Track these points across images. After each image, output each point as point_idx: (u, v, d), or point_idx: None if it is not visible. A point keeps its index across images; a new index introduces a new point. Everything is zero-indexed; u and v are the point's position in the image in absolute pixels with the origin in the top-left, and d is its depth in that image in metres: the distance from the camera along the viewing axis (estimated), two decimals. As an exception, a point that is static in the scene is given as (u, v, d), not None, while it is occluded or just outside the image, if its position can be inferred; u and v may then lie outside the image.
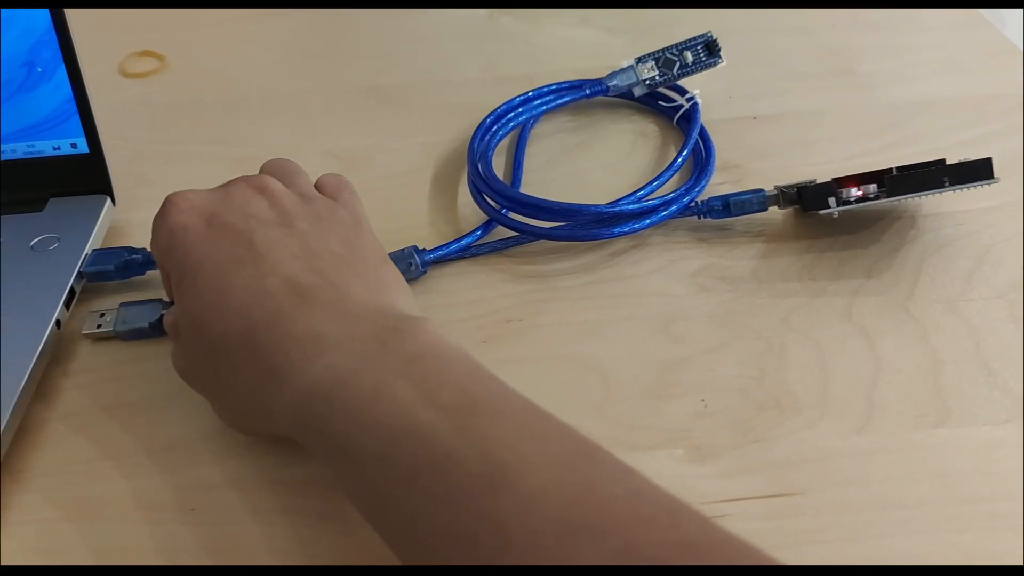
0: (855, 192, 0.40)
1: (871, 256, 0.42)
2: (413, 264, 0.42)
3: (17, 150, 0.47)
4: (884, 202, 0.40)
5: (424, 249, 0.43)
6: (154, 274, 0.43)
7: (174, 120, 0.56)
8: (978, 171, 0.39)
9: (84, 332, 0.41)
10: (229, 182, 0.37)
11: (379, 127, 0.54)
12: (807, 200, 0.42)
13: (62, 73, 0.45)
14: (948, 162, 0.42)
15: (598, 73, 0.53)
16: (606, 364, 0.38)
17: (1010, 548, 0.30)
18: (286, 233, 0.34)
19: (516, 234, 0.44)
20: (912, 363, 0.37)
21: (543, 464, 0.25)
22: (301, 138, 0.53)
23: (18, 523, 0.33)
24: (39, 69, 0.45)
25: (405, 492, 0.26)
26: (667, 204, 0.43)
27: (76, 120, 0.46)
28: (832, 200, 0.40)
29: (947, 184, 0.39)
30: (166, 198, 0.36)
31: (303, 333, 0.30)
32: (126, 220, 0.48)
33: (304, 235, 0.34)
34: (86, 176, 0.47)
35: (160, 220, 0.36)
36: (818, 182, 0.42)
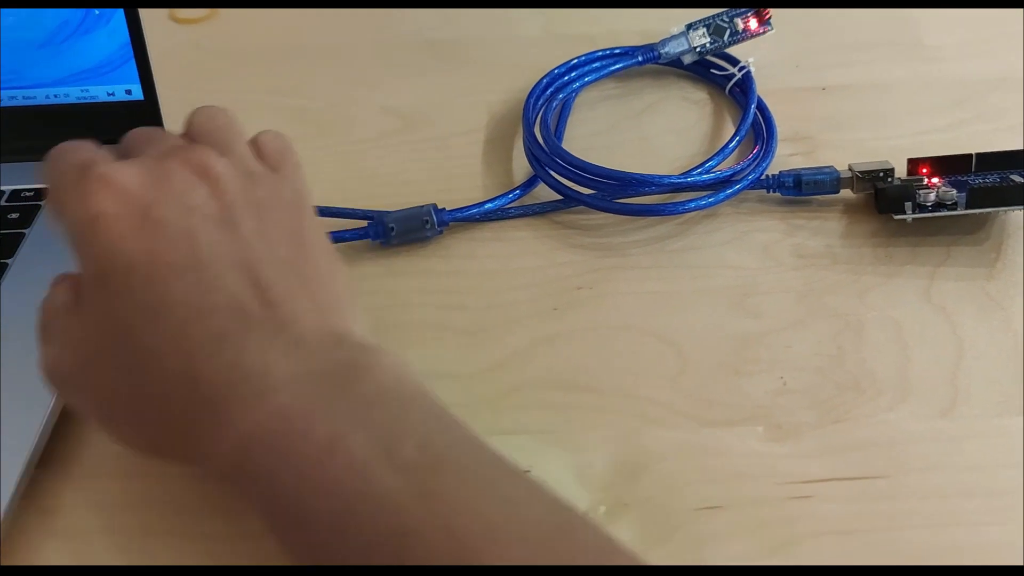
0: (932, 197, 0.39)
1: (949, 236, 0.40)
2: (429, 223, 0.41)
3: (71, 94, 0.46)
4: (961, 213, 0.39)
5: (444, 209, 0.42)
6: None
7: (226, 68, 0.55)
8: None
9: None
10: (164, 156, 0.30)
11: (437, 83, 0.53)
12: (883, 202, 0.41)
13: (120, 17, 0.44)
14: (1020, 146, 0.41)
15: (660, 35, 0.51)
16: (680, 337, 0.37)
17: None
18: (231, 236, 0.29)
19: (561, 198, 0.43)
20: (995, 347, 0.36)
21: (514, 539, 0.23)
22: (358, 91, 0.52)
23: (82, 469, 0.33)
24: (96, 12, 0.44)
25: (358, 563, 0.24)
26: (738, 177, 0.42)
27: (132, 66, 0.45)
28: (908, 206, 0.39)
29: None
30: (87, 167, 0.29)
31: (250, 365, 0.26)
32: (179, 170, 0.47)
33: (249, 237, 0.29)
34: (140, 123, 0.46)
35: (79, 197, 0.28)
36: (895, 175, 0.41)
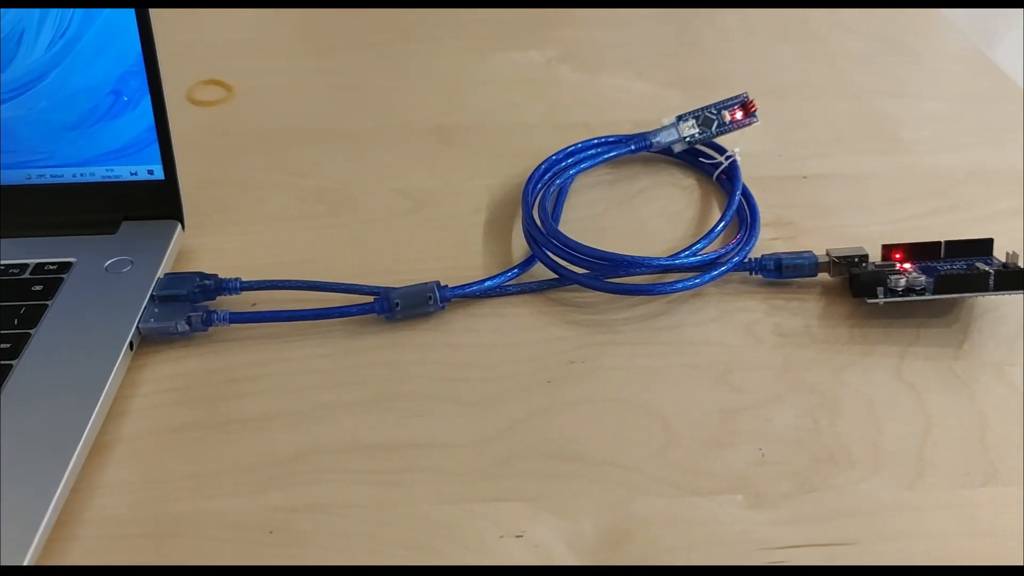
0: (903, 282, 0.42)
1: (919, 319, 0.43)
2: (432, 299, 0.44)
3: (96, 173, 0.49)
4: (929, 298, 0.42)
5: (446, 285, 0.45)
6: (226, 310, 0.45)
7: (242, 148, 0.58)
8: (1023, 279, 0.41)
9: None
10: None
11: (443, 166, 0.56)
12: (857, 287, 0.43)
13: (146, 103, 0.47)
14: (991, 235, 0.44)
15: (652, 125, 0.55)
16: (667, 410, 0.39)
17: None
18: None
19: (556, 276, 0.46)
20: (960, 423, 0.38)
21: None
22: (370, 173, 0.55)
23: (90, 537, 0.35)
24: (125, 98, 0.47)
25: None
26: (723, 260, 0.45)
27: (155, 148, 0.48)
28: (880, 290, 0.42)
29: (991, 288, 0.41)
30: None
31: None
32: (194, 245, 0.49)
33: None
34: (160, 202, 0.49)
35: None
36: (868, 260, 0.44)
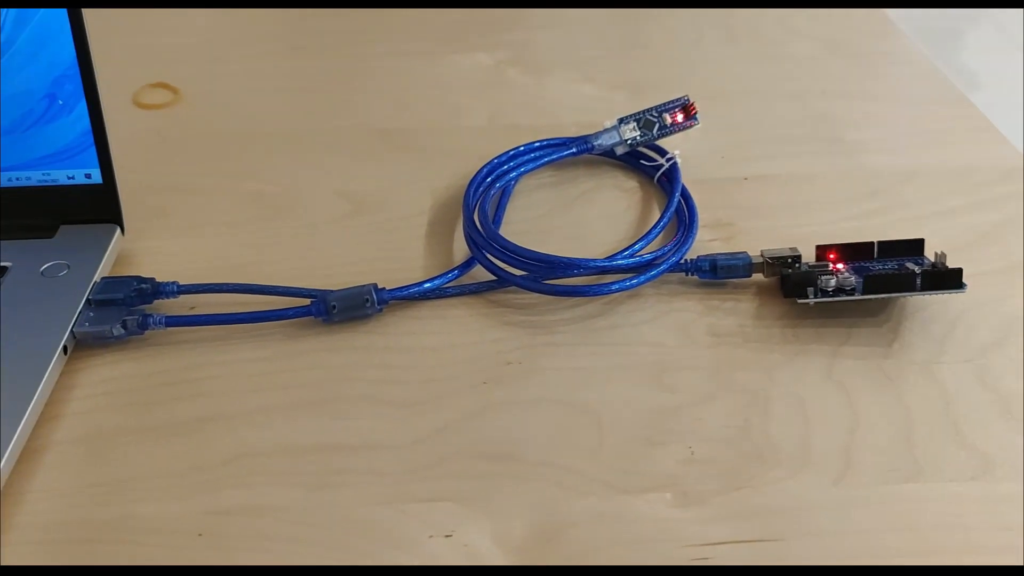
0: (832, 283, 0.42)
1: (851, 319, 0.44)
2: (369, 301, 0.44)
3: (32, 177, 0.48)
4: (858, 298, 0.42)
5: (384, 288, 0.45)
6: (163, 313, 0.45)
7: (187, 152, 0.58)
8: (949, 279, 0.42)
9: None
10: None
11: (388, 170, 0.56)
12: (788, 287, 0.44)
13: (82, 107, 0.47)
14: (927, 235, 0.45)
15: (597, 127, 0.55)
16: (601, 410, 0.39)
17: (976, 600, 0.32)
18: None
19: (495, 278, 0.46)
20: (887, 421, 0.39)
21: None
22: (313, 176, 0.55)
23: (20, 543, 0.34)
24: (60, 102, 0.47)
25: None
26: (659, 261, 0.45)
27: (92, 152, 0.48)
28: (810, 291, 0.43)
29: (919, 288, 0.42)
30: None
31: None
32: (134, 249, 0.49)
33: None
34: (98, 206, 0.49)
35: None
36: (802, 261, 0.44)
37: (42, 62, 0.46)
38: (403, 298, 0.45)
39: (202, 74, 0.67)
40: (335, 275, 0.47)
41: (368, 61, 0.68)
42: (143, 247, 0.50)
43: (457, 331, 0.44)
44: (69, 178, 0.48)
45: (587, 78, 0.66)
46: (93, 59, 0.46)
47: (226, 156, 0.57)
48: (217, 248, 0.50)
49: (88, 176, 0.48)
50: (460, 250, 0.49)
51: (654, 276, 0.45)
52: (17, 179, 0.48)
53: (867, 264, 0.45)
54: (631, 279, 0.44)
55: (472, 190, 0.51)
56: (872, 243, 0.45)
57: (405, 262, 0.49)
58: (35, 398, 0.39)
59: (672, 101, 0.55)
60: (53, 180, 0.48)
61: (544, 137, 0.56)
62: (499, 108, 0.63)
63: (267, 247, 0.50)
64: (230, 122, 0.61)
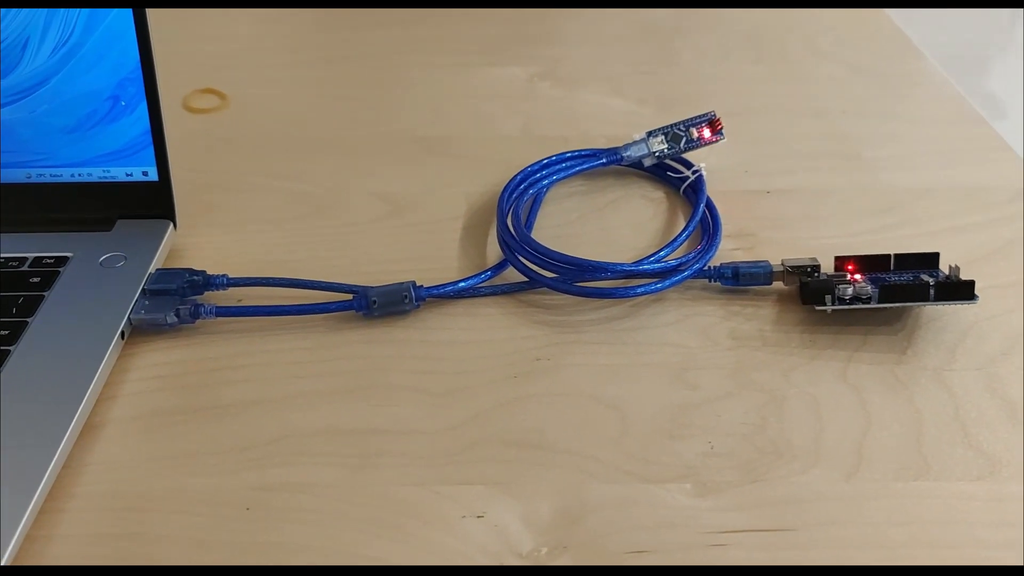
0: (849, 291, 0.44)
1: (866, 327, 0.46)
2: (408, 297, 0.46)
3: (93, 174, 0.51)
4: (874, 307, 0.44)
5: (422, 285, 0.47)
6: (213, 304, 0.47)
7: (234, 154, 0.61)
8: (962, 291, 0.44)
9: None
10: None
11: (425, 175, 0.58)
12: (807, 294, 0.46)
13: (143, 108, 0.50)
14: (941, 249, 0.47)
15: (625, 139, 0.58)
16: (625, 404, 0.42)
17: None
18: None
19: (527, 280, 0.48)
20: (898, 422, 0.41)
21: None
22: (354, 179, 0.58)
23: (83, 510, 0.37)
24: (123, 103, 0.50)
25: None
26: (684, 267, 0.48)
27: (150, 151, 0.51)
28: (828, 298, 0.45)
29: (932, 298, 0.44)
30: None
31: None
32: (185, 243, 0.52)
33: None
34: (153, 202, 0.52)
35: None
36: (820, 270, 0.47)
37: (108, 65, 0.49)
38: (439, 296, 0.48)
39: (248, 81, 0.70)
40: (373, 272, 0.50)
41: (406, 71, 0.71)
42: (193, 242, 0.52)
43: (489, 328, 0.46)
44: (128, 175, 0.51)
45: (616, 92, 0.69)
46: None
47: (271, 158, 0.60)
48: (262, 244, 0.52)
49: (145, 174, 0.51)
50: (493, 252, 0.52)
51: (678, 281, 0.47)
52: (79, 175, 0.51)
53: (883, 275, 0.47)
54: (656, 283, 0.47)
55: (506, 196, 0.53)
56: (889, 255, 0.47)
57: (440, 262, 0.51)
58: (95, 379, 0.41)
59: (699, 116, 0.57)
60: (112, 177, 0.51)
61: (574, 148, 0.58)
62: (531, 119, 0.65)
63: (309, 244, 0.53)
64: (275, 127, 0.64)
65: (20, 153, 0.51)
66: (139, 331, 0.46)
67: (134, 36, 0.48)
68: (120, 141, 0.51)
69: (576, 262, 0.47)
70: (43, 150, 0.51)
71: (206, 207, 0.55)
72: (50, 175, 0.51)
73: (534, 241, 0.48)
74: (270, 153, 0.61)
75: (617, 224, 0.54)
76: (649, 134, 0.57)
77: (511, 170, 0.56)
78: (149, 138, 0.50)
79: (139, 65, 0.49)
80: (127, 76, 0.49)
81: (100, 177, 0.51)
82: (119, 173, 0.51)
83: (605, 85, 0.70)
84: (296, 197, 0.56)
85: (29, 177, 0.51)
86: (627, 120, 0.65)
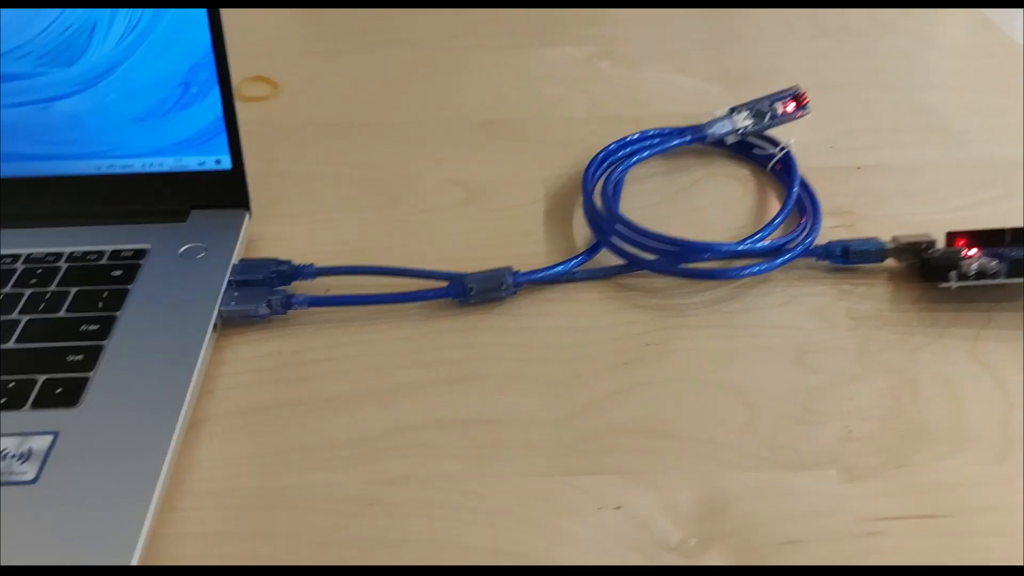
0: (974, 267, 0.42)
1: (988, 303, 0.44)
2: (505, 284, 0.45)
3: (165, 163, 0.49)
4: (1001, 282, 0.42)
5: (518, 271, 0.45)
6: (303, 294, 0.45)
7: (294, 142, 0.58)
8: None
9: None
10: None
11: (496, 159, 0.56)
12: (929, 270, 0.44)
13: (215, 95, 0.48)
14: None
15: (699, 118, 0.56)
16: (747, 389, 0.40)
17: None
18: None
19: (624, 263, 0.46)
20: (1039, 401, 0.39)
21: None
22: (423, 165, 0.56)
23: (199, 508, 0.35)
24: (194, 89, 0.48)
25: None
26: (791, 246, 0.46)
27: (223, 138, 0.49)
28: (953, 274, 0.43)
29: None
30: None
31: None
32: (260, 234, 0.50)
33: None
34: (227, 191, 0.50)
35: None
36: (936, 244, 0.45)
37: (178, 50, 0.47)
38: (534, 282, 0.46)
39: (297, 68, 0.67)
40: (456, 260, 0.48)
41: (457, 55, 0.69)
42: (267, 231, 0.50)
43: (590, 313, 0.44)
44: (200, 164, 0.49)
45: (681, 70, 0.67)
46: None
47: (333, 146, 0.58)
48: (338, 233, 0.50)
49: (218, 162, 0.49)
50: (580, 236, 0.50)
51: (787, 260, 0.45)
52: (151, 165, 0.49)
53: (1000, 250, 0.45)
54: (764, 263, 0.45)
55: (589, 176, 0.51)
56: (1004, 230, 0.45)
57: (525, 247, 0.49)
58: (195, 371, 0.39)
59: (783, 91, 0.55)
60: (184, 166, 0.49)
61: (646, 128, 0.56)
62: (596, 99, 0.63)
63: (386, 233, 0.51)
64: (331, 113, 0.62)
65: (90, 144, 0.49)
66: (229, 323, 0.44)
67: (205, 20, 0.46)
68: (192, 129, 0.49)
69: (679, 243, 0.45)
70: (113, 140, 0.49)
71: (274, 196, 0.53)
72: (121, 166, 0.49)
73: (630, 222, 0.46)
74: (331, 140, 0.59)
75: (706, 204, 0.52)
76: (732, 110, 0.55)
77: (583, 152, 0.54)
78: (222, 125, 0.48)
79: (211, 50, 0.47)
80: (198, 62, 0.47)
81: (172, 167, 0.49)
82: (191, 162, 0.49)
83: (668, 63, 0.68)
84: (368, 185, 0.54)
85: (100, 169, 0.49)
86: (696, 99, 0.63)
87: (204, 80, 0.48)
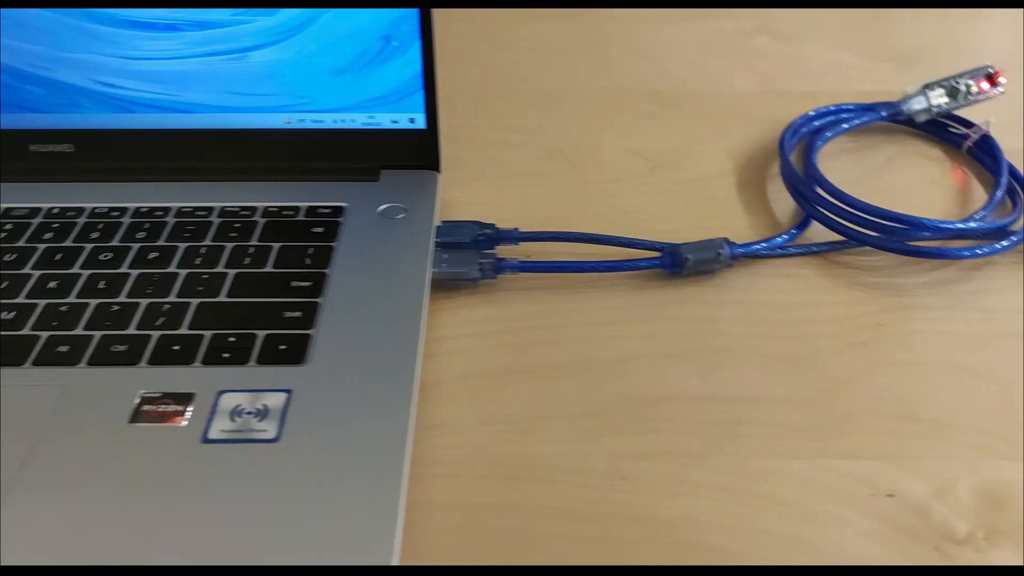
0: None
1: None
2: (721, 256, 0.43)
3: (357, 120, 0.48)
4: None
5: (735, 243, 0.44)
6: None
7: (460, 108, 0.56)
8: None
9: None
10: None
11: (671, 131, 0.55)
12: None
13: (415, 49, 0.46)
14: None
15: (871, 95, 0.54)
16: (998, 375, 0.38)
17: None
18: None
19: (840, 239, 0.44)
20: None
21: None
22: (597, 135, 0.54)
23: (442, 476, 0.34)
24: (395, 43, 0.46)
25: None
26: (1013, 228, 0.44)
27: (420, 96, 0.47)
28: None
29: None
30: None
31: None
32: (449, 197, 0.48)
33: None
34: (419, 151, 0.48)
35: None
36: None
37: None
38: (751, 255, 0.44)
39: (446, 34, 0.65)
40: (652, 231, 0.46)
41: (605, 25, 0.67)
42: (455, 195, 0.49)
43: (808, 290, 0.43)
44: (393, 122, 0.48)
45: (844, 47, 0.64)
46: None
47: (501, 113, 0.57)
48: (522, 199, 0.49)
49: (412, 121, 0.48)
50: (781, 210, 0.48)
51: (1016, 243, 0.43)
52: (342, 121, 0.48)
53: None
54: (988, 246, 0.43)
55: (785, 149, 0.49)
56: None
57: (722, 220, 0.48)
58: (420, 333, 0.38)
59: (976, 68, 0.53)
60: (376, 123, 0.48)
61: (821, 103, 0.54)
62: (764, 74, 0.61)
63: (574, 201, 0.49)
64: (493, 81, 0.60)
65: (281, 96, 0.47)
66: (437, 286, 0.42)
67: (411, -32, 0.45)
68: (389, 85, 0.47)
69: (906, 219, 0.43)
70: (307, 94, 0.47)
71: (454, 161, 0.52)
72: (311, 120, 0.48)
73: (849, 196, 0.45)
74: (498, 107, 0.57)
75: (906, 183, 0.50)
76: (926, 87, 0.53)
77: (759, 126, 0.52)
78: (420, 81, 0.47)
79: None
80: (403, 14, 0.46)
81: (364, 124, 0.48)
82: (384, 120, 0.48)
83: (828, 39, 0.65)
84: (545, 152, 0.53)
85: (289, 123, 0.48)
86: (866, 76, 0.60)
87: (406, 33, 0.46)
